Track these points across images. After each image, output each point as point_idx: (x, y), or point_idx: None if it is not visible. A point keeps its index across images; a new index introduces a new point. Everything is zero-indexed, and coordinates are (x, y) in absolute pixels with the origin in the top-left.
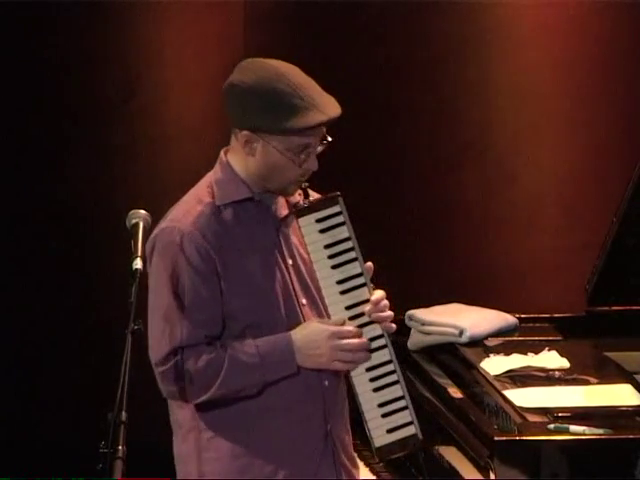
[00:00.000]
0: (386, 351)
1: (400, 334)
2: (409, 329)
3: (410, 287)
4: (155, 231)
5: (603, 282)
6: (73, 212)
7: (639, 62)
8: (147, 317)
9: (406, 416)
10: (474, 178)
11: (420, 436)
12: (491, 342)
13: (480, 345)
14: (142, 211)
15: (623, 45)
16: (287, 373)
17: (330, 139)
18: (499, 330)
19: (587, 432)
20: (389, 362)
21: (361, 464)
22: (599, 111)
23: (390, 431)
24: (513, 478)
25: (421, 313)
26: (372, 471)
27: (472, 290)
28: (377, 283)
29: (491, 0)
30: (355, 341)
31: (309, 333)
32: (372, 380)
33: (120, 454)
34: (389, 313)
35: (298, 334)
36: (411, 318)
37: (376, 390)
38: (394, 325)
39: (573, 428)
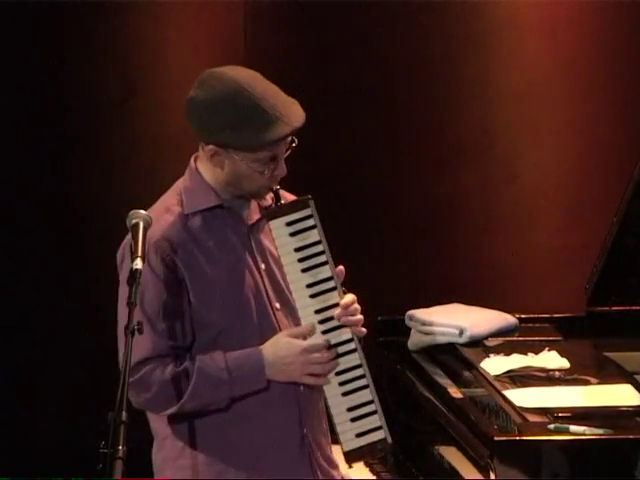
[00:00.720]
0: (355, 355)
1: (400, 334)
2: (409, 329)
3: (410, 287)
4: (124, 241)
5: (603, 282)
6: (73, 212)
7: (639, 62)
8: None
9: (375, 420)
10: (474, 178)
11: (389, 440)
12: (491, 342)
13: (480, 345)
14: (142, 211)
15: (623, 45)
16: (256, 388)
17: (296, 142)
18: (499, 330)
19: (587, 432)
20: (359, 366)
21: (361, 464)
22: (599, 111)
23: (359, 435)
24: (513, 478)
25: (421, 313)
26: (372, 471)
27: (472, 290)
28: (378, 283)
29: (491, 0)
30: (326, 354)
31: (280, 348)
32: (341, 384)
33: (120, 454)
34: (359, 317)
35: (269, 349)
36: (411, 318)
37: (345, 394)
38: (364, 329)
39: (573, 428)
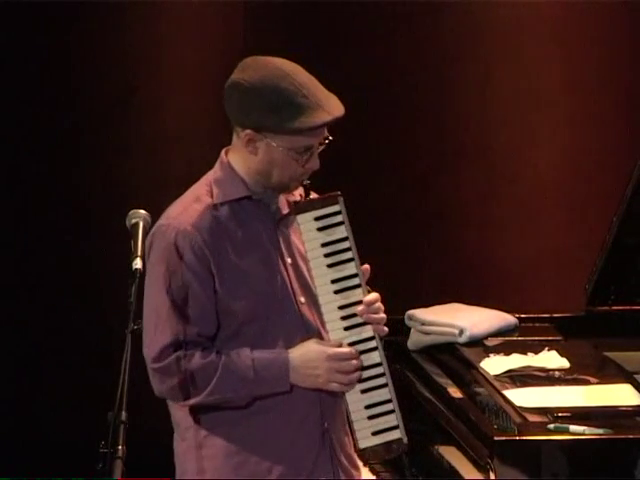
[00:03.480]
0: (376, 353)
1: (400, 334)
2: (409, 329)
3: (410, 287)
4: (153, 229)
5: (603, 282)
6: (73, 212)
7: (639, 62)
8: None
9: (392, 420)
10: (474, 178)
11: (405, 440)
12: (491, 342)
13: (480, 345)
14: (142, 211)
15: (623, 45)
16: (278, 391)
17: (331, 138)
18: (499, 330)
19: (587, 432)
20: (379, 365)
21: (360, 464)
22: (599, 111)
23: (375, 434)
24: (513, 478)
25: (421, 313)
26: (372, 471)
27: (472, 290)
28: (377, 283)
29: (491, 0)
30: (353, 363)
31: (307, 353)
32: (360, 381)
33: (120, 454)
34: (382, 316)
35: (296, 353)
36: (411, 318)
37: (364, 392)
38: (386, 328)
39: (573, 428)
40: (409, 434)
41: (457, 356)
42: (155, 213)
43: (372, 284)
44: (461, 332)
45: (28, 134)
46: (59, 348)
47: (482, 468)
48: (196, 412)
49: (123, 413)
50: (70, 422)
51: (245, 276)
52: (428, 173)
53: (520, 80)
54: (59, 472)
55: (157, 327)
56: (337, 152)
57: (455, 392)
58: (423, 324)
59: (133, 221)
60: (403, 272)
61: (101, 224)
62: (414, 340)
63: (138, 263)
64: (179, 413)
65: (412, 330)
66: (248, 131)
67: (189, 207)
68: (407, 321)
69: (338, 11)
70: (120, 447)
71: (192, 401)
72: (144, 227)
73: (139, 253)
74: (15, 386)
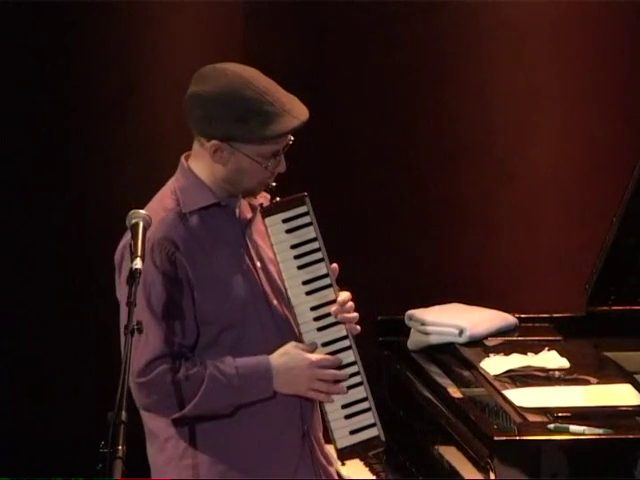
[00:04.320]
0: (350, 352)
1: (400, 334)
2: (409, 329)
3: (410, 287)
4: (122, 241)
5: (603, 282)
6: (73, 212)
7: (638, 62)
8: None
9: (369, 418)
10: (474, 178)
11: (383, 438)
12: (491, 342)
13: (480, 345)
14: (142, 211)
15: (622, 45)
16: (262, 397)
17: (292, 139)
18: (499, 330)
19: (587, 432)
20: (353, 363)
21: (361, 464)
22: (599, 111)
23: (353, 432)
24: (513, 478)
25: (421, 313)
26: (372, 471)
27: (472, 290)
28: (377, 282)
29: (491, 0)
30: (333, 372)
31: (289, 360)
32: (338, 382)
33: (120, 454)
34: (354, 314)
35: (278, 360)
36: (411, 318)
37: None
38: (359, 327)
39: (573, 428)
40: (410, 433)
41: (457, 356)
42: None
43: (372, 284)
44: (461, 332)
45: (27, 134)
46: (59, 348)
47: (482, 468)
48: (176, 423)
49: (123, 413)
50: (70, 422)
51: (221, 283)
52: (428, 173)
53: (520, 80)
54: (59, 472)
55: (139, 341)
56: (337, 152)
57: (455, 392)
58: (423, 324)
59: (133, 221)
60: (403, 272)
61: (101, 224)
62: (414, 340)
63: (138, 263)
64: (157, 424)
65: (412, 330)
66: (214, 142)
67: (159, 217)
68: (407, 321)
69: (338, 11)
70: (120, 447)
71: (179, 414)
72: (144, 227)
73: (139, 253)
74: (15, 386)
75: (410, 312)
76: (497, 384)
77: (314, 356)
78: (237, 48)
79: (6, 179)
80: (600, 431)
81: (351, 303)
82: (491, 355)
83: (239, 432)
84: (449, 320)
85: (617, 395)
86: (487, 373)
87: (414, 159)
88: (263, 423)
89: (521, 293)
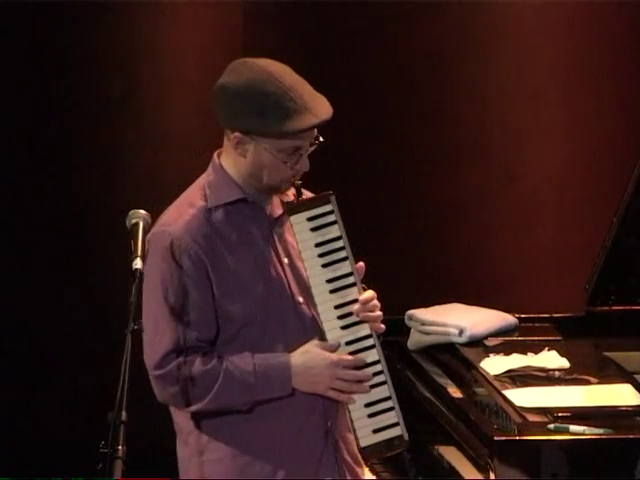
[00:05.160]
0: (374, 351)
1: (400, 334)
2: (409, 329)
3: (410, 287)
4: (148, 235)
5: (603, 282)
6: (73, 212)
7: (638, 62)
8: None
9: (392, 417)
10: (474, 178)
11: (406, 437)
12: (491, 342)
13: (480, 345)
14: (142, 211)
15: (623, 45)
16: (280, 395)
17: (322, 139)
18: (499, 330)
19: (587, 432)
20: (377, 362)
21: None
22: (599, 111)
23: (376, 431)
24: (513, 478)
25: (421, 313)
26: (372, 471)
27: (472, 290)
28: (377, 283)
29: (491, 0)
30: (354, 372)
31: (309, 359)
32: (360, 382)
33: (120, 454)
34: (378, 313)
35: (298, 359)
36: (411, 318)
37: None
38: (383, 326)
39: (573, 428)
40: (410, 433)
41: (457, 356)
42: (155, 213)
43: (372, 284)
44: (461, 332)
45: (28, 134)
46: (59, 348)
47: (482, 468)
48: (198, 417)
49: (123, 413)
50: (70, 422)
51: (242, 279)
52: (428, 173)
53: (520, 80)
54: (59, 472)
55: (157, 334)
56: (336, 152)
57: (455, 392)
58: (423, 324)
59: (133, 221)
60: (403, 272)
61: (101, 224)
62: (414, 340)
63: (138, 263)
64: (181, 418)
65: (412, 330)
66: (236, 134)
67: (184, 212)
68: (407, 321)
69: (338, 11)
70: (120, 447)
71: (194, 407)
72: (144, 227)
73: (139, 253)
74: (15, 386)
75: (410, 312)
76: (497, 384)
77: (334, 355)
78: (237, 48)
79: (6, 179)
80: (600, 431)
81: (375, 302)
82: (491, 355)
83: (259, 428)
84: (449, 320)
85: (617, 395)
86: (487, 373)
87: (414, 159)
88: (284, 420)
89: (521, 293)
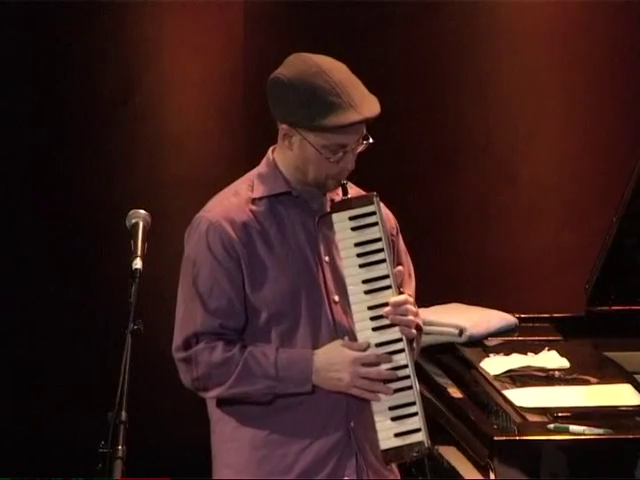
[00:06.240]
0: (402, 355)
1: None
2: None
3: None
4: (192, 221)
5: (603, 282)
6: (73, 212)
7: (638, 62)
8: (147, 316)
9: (415, 422)
10: (474, 178)
11: (427, 444)
12: (491, 342)
13: (480, 345)
14: (142, 211)
15: (623, 45)
16: (299, 391)
17: (371, 140)
18: (499, 330)
19: (587, 432)
20: (405, 367)
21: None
22: (599, 111)
23: (397, 435)
24: (513, 478)
25: (421, 313)
26: None
27: (472, 290)
28: None
29: (491, 0)
30: (377, 370)
31: (332, 356)
32: (386, 382)
33: (120, 454)
34: (410, 318)
35: (321, 355)
36: None
37: None
38: (414, 331)
39: (573, 428)
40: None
41: (457, 356)
42: (155, 213)
43: None
44: (461, 332)
45: (28, 134)
46: (59, 348)
47: (482, 468)
48: (223, 406)
49: (123, 413)
50: (70, 422)
51: (273, 272)
52: (428, 172)
53: (520, 80)
54: (59, 472)
55: (183, 317)
56: None
57: (455, 392)
58: (423, 324)
59: (133, 221)
60: None
61: (101, 224)
62: None
63: (138, 263)
64: (211, 407)
65: None
66: (284, 126)
67: (226, 200)
68: None
69: (338, 11)
70: (120, 447)
71: (213, 393)
72: (144, 227)
73: (139, 253)
74: (15, 386)
75: None
76: (497, 384)
77: (357, 353)
78: (237, 48)
79: (6, 179)
80: (600, 431)
81: (408, 306)
82: (491, 355)
83: (280, 423)
84: (449, 320)
85: (617, 395)
86: (487, 373)
87: (414, 159)
88: (305, 417)
89: (521, 293)
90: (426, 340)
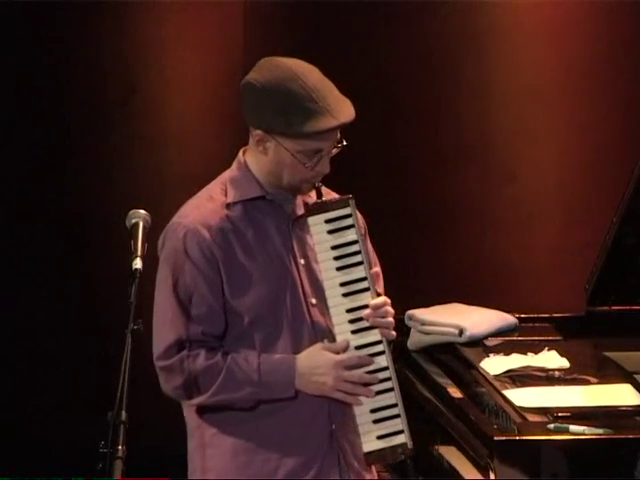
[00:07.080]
0: (382, 357)
1: (400, 334)
2: (409, 329)
3: (410, 287)
4: (166, 227)
5: (603, 282)
6: (73, 212)
7: (638, 62)
8: (147, 316)
9: (397, 424)
10: (474, 178)
11: (410, 445)
12: (491, 342)
13: (480, 345)
14: (142, 211)
15: (623, 45)
16: (283, 396)
17: (345, 143)
18: (499, 330)
19: (587, 432)
20: (385, 369)
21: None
22: (599, 111)
23: (380, 438)
24: (513, 478)
25: (421, 313)
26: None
27: (472, 290)
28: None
29: (491, 0)
30: (359, 373)
31: (314, 360)
32: (366, 385)
33: (120, 454)
34: (389, 320)
35: (303, 359)
36: (411, 318)
37: None
38: (394, 332)
39: (573, 428)
40: (413, 437)
41: (457, 356)
42: (155, 213)
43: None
44: (461, 332)
45: (29, 134)
46: (59, 348)
47: (482, 468)
48: (202, 412)
49: (123, 413)
50: (70, 422)
51: (252, 277)
52: (428, 172)
53: (520, 80)
54: (59, 472)
55: (163, 325)
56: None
57: (455, 392)
58: (423, 324)
59: (133, 221)
60: (403, 272)
61: (101, 224)
62: (414, 340)
63: (138, 263)
64: (188, 413)
65: (412, 330)
66: (258, 131)
67: (201, 206)
68: (407, 321)
69: (338, 11)
70: (120, 447)
71: (196, 401)
72: (144, 227)
73: (139, 253)
74: (15, 386)
75: (410, 312)
76: (497, 384)
77: (339, 356)
78: (237, 48)
79: (7, 179)
80: (600, 431)
81: (387, 308)
82: (491, 355)
83: (262, 427)
84: (449, 320)
85: (617, 395)
86: (487, 373)
87: (414, 159)
88: (288, 420)
89: (521, 293)
90: (426, 340)
